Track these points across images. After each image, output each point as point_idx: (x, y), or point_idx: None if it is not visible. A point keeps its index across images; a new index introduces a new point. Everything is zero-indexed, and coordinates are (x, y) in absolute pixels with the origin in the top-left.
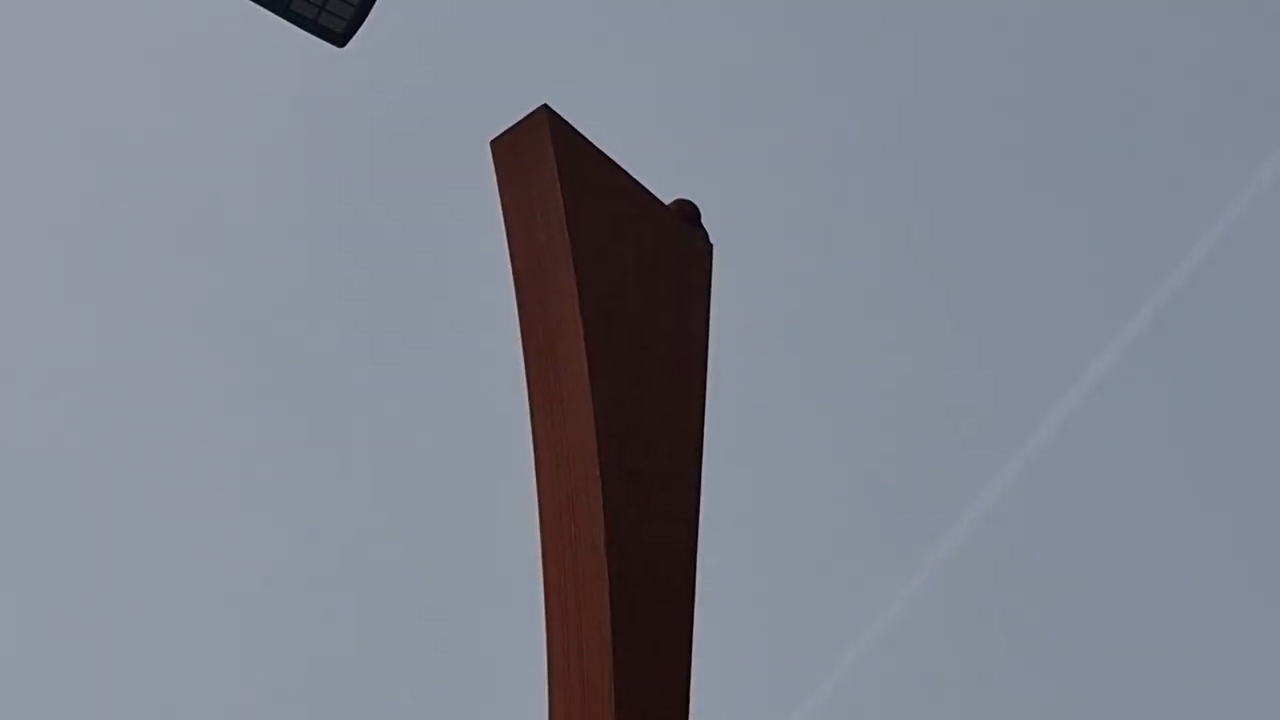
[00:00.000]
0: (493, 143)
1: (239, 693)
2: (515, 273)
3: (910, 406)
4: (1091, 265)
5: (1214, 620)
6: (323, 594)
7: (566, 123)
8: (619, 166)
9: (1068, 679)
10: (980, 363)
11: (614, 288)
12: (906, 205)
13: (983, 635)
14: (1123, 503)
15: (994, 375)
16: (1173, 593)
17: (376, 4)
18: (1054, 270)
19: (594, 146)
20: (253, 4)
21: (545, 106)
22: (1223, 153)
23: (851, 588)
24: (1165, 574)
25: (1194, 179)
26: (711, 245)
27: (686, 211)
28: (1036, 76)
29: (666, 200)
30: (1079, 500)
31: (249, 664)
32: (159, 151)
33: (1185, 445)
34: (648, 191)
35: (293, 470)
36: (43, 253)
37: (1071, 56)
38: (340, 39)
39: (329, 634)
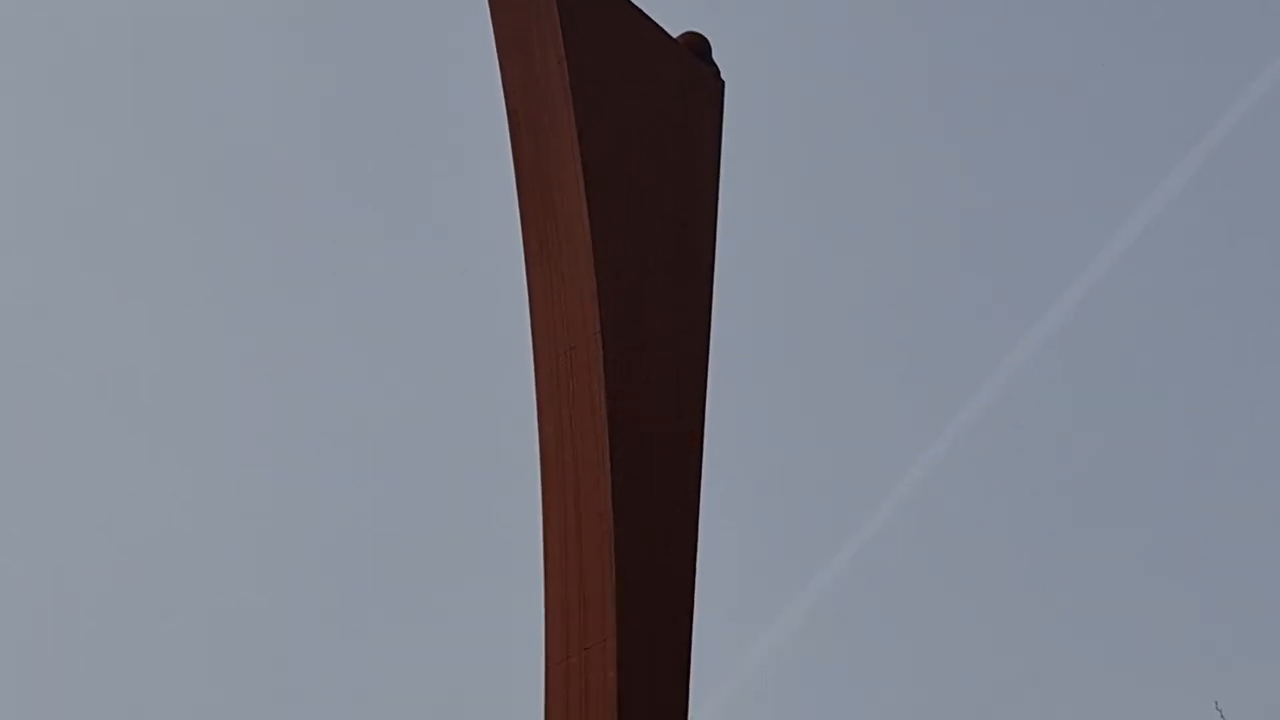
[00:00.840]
0: None
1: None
2: (510, 112)
3: (946, 244)
4: (1153, 94)
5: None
6: (308, 449)
7: None
8: None
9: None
10: (1024, 197)
11: (616, 127)
12: (937, 32)
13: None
14: (1172, 349)
15: (1039, 211)
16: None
17: None
18: (1105, 102)
19: None
20: None
21: None
22: None
23: (884, 437)
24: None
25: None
26: (723, 81)
27: (696, 45)
28: None
29: (674, 33)
30: (1131, 334)
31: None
32: None
33: (1243, 284)
34: (654, 23)
35: (278, 319)
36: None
37: None
38: None
39: (321, 497)
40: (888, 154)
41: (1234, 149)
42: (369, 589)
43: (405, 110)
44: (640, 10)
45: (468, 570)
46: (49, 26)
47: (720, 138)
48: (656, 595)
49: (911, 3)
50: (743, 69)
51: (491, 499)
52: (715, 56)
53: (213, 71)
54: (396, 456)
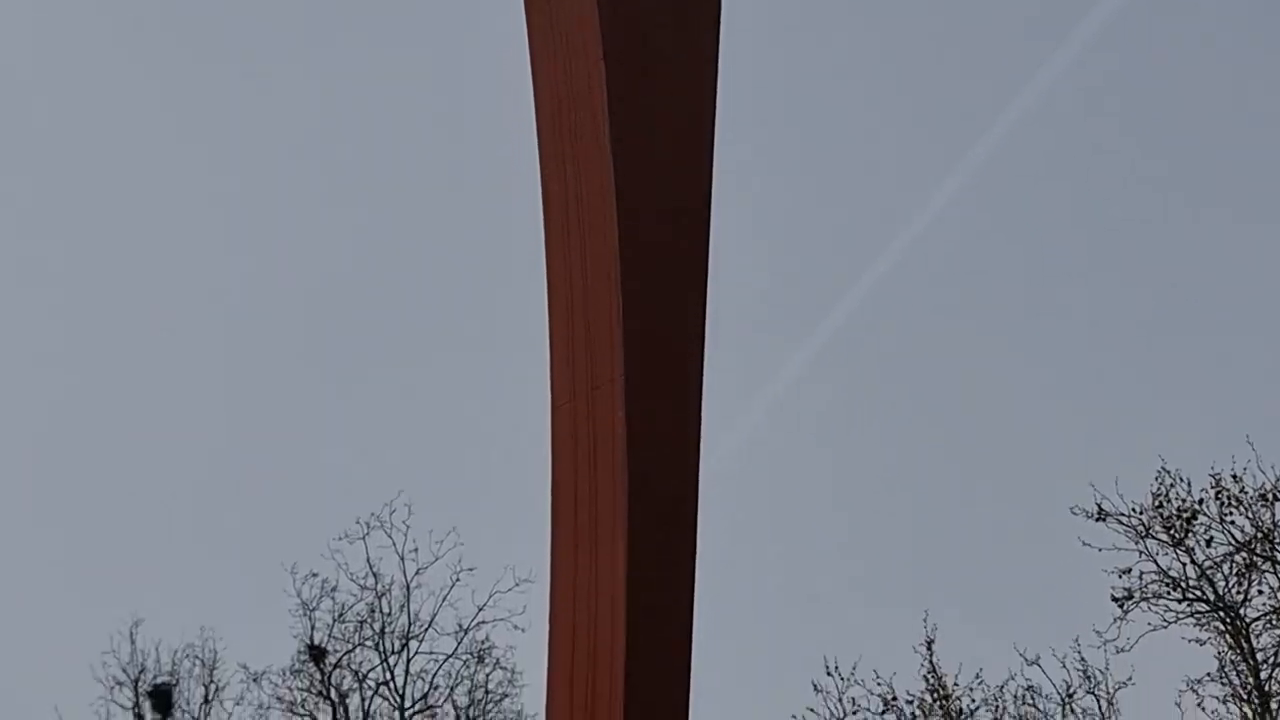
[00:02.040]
0: None
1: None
2: None
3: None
4: None
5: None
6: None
7: None
8: None
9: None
10: None
11: None
12: None
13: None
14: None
15: None
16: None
17: None
18: None
19: None
20: None
21: None
22: None
23: (891, 186)
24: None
25: None
26: None
27: None
28: None
29: None
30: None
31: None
32: None
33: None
34: None
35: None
36: None
37: None
38: None
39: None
40: None
41: None
42: (371, 340)
43: None
44: None
45: (471, 316)
46: None
47: None
48: (664, 336)
49: None
50: None
51: (495, 246)
52: None
53: None
54: (399, 207)
